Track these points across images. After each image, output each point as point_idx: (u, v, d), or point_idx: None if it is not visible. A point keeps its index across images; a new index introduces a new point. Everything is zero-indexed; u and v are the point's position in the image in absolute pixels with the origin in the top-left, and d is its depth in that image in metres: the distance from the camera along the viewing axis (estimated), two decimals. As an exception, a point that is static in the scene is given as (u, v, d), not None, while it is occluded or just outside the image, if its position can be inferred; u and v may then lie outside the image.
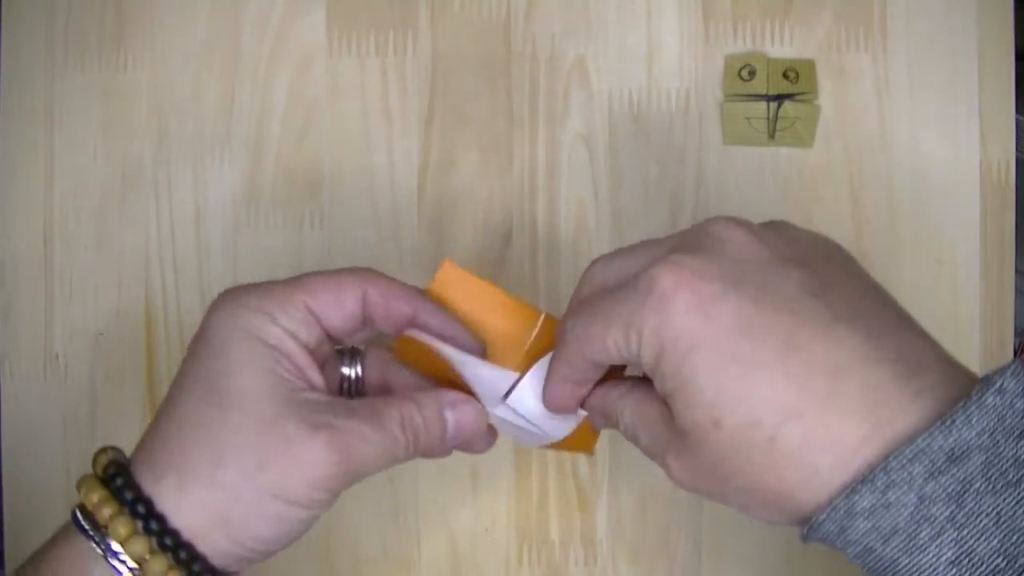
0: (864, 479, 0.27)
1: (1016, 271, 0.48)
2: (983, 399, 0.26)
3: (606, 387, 0.35)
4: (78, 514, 0.31)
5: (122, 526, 0.30)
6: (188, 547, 0.30)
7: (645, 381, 0.34)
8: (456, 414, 0.35)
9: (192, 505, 0.31)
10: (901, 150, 0.48)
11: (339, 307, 0.34)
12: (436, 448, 0.36)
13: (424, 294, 0.36)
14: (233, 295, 0.34)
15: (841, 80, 0.48)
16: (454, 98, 0.49)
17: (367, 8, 0.49)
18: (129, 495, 0.31)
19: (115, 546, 0.30)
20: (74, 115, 0.50)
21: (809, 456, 0.28)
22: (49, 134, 0.50)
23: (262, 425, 0.31)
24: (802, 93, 0.48)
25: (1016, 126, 0.48)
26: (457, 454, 0.49)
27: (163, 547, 0.30)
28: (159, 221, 0.50)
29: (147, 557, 0.30)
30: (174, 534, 0.30)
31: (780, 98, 0.48)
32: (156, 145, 0.50)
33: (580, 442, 0.39)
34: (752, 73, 0.48)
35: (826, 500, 0.28)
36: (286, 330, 0.33)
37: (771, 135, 0.48)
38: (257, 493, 0.31)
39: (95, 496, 0.31)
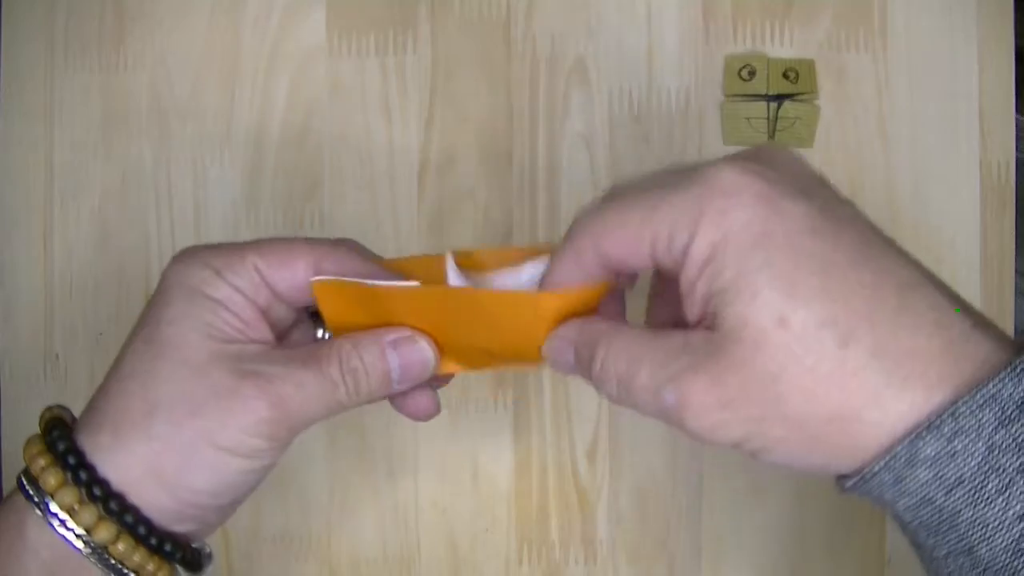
0: (930, 425, 0.25)
1: (1016, 271, 0.48)
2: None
3: (584, 320, 0.32)
4: (22, 474, 0.31)
5: (52, 477, 0.30)
6: (118, 497, 0.30)
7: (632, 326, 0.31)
8: (400, 354, 0.33)
9: (126, 456, 0.31)
10: (901, 150, 0.48)
11: (289, 273, 0.33)
12: (381, 391, 0.34)
13: (378, 268, 0.34)
14: (188, 252, 0.34)
15: (841, 80, 0.48)
16: (454, 98, 0.49)
17: (367, 8, 0.49)
18: (61, 446, 0.31)
19: (47, 499, 0.30)
20: (74, 115, 0.50)
21: (880, 369, 0.26)
22: (49, 134, 0.50)
23: (193, 373, 0.31)
24: (802, 93, 0.48)
25: (1016, 126, 0.48)
26: (457, 453, 0.49)
27: (92, 497, 0.30)
28: (159, 221, 0.50)
29: (76, 507, 0.30)
30: (103, 483, 0.30)
31: (780, 98, 0.48)
32: (156, 145, 0.50)
33: (527, 345, 0.34)
34: (752, 73, 0.48)
35: (886, 446, 0.26)
36: (231, 285, 0.33)
37: (771, 135, 0.48)
38: (189, 441, 0.31)
39: (33, 449, 0.31)
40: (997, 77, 0.48)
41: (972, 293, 0.48)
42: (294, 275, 0.33)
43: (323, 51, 0.50)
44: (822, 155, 0.48)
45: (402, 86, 0.49)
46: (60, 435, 0.31)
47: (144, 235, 0.50)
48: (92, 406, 0.32)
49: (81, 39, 0.50)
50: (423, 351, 0.34)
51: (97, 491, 0.30)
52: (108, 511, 0.30)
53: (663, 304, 0.34)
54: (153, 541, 0.31)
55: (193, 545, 0.33)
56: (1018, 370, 0.25)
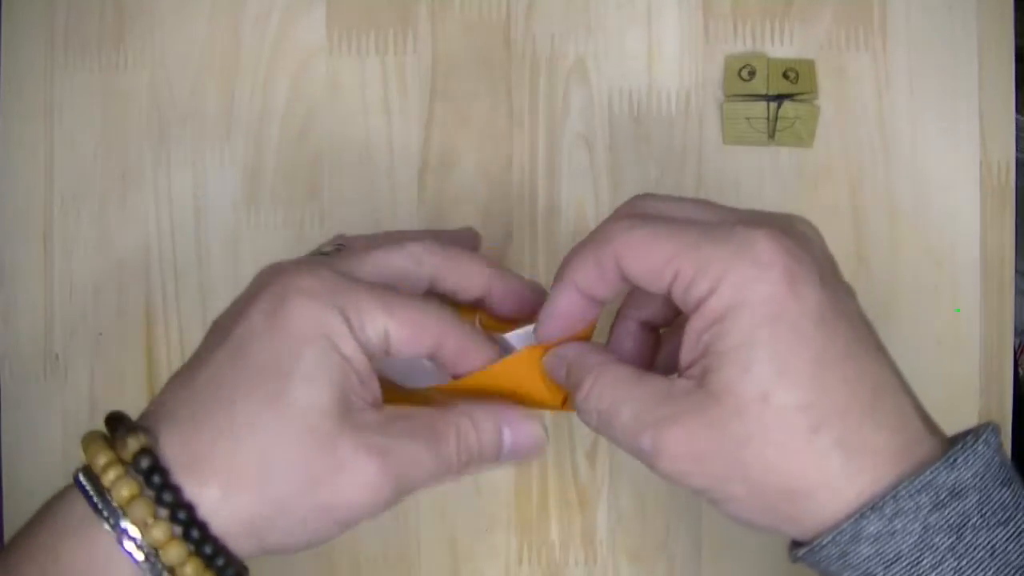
0: (873, 506, 0.28)
1: (1016, 271, 0.48)
2: (976, 446, 0.29)
3: (581, 347, 0.34)
4: (96, 500, 0.29)
5: (159, 531, 0.29)
6: (225, 552, 0.29)
7: (622, 363, 0.33)
8: (515, 433, 0.34)
9: (231, 515, 0.29)
10: (901, 150, 0.48)
11: (413, 345, 0.32)
12: (487, 463, 0.34)
13: (496, 348, 0.35)
14: (314, 280, 0.31)
15: (841, 80, 0.48)
16: (454, 98, 0.49)
17: (367, 8, 0.49)
18: (168, 497, 0.29)
19: (147, 548, 0.29)
20: (74, 115, 0.50)
21: (840, 457, 0.28)
22: (49, 134, 0.50)
23: (319, 445, 0.30)
24: (802, 93, 0.48)
25: (1016, 126, 0.48)
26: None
27: (201, 555, 0.29)
28: (159, 221, 0.50)
29: (183, 561, 0.29)
30: (214, 542, 0.29)
31: (780, 98, 0.48)
32: (156, 145, 0.50)
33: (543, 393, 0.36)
34: (752, 73, 0.48)
35: (831, 523, 0.29)
36: (359, 342, 0.31)
37: (771, 135, 0.48)
38: (303, 511, 0.30)
39: (126, 491, 0.29)
40: (997, 77, 0.48)
41: (972, 293, 0.48)
42: (416, 350, 0.33)
43: (323, 51, 0.49)
44: (822, 155, 0.48)
45: (402, 86, 0.49)
46: (163, 483, 0.29)
47: (144, 235, 0.50)
48: (188, 446, 0.30)
49: (81, 39, 0.50)
50: (536, 432, 0.34)
51: (208, 550, 0.29)
52: (210, 566, 0.29)
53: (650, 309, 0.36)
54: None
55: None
56: (951, 460, 0.28)
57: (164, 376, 0.49)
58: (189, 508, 0.29)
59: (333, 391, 0.30)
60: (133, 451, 0.30)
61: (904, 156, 0.48)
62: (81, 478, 0.30)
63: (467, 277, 0.36)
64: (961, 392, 0.48)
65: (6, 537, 0.50)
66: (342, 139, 0.49)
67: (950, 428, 0.47)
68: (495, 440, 0.33)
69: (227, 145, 0.50)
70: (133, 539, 0.29)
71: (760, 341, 0.29)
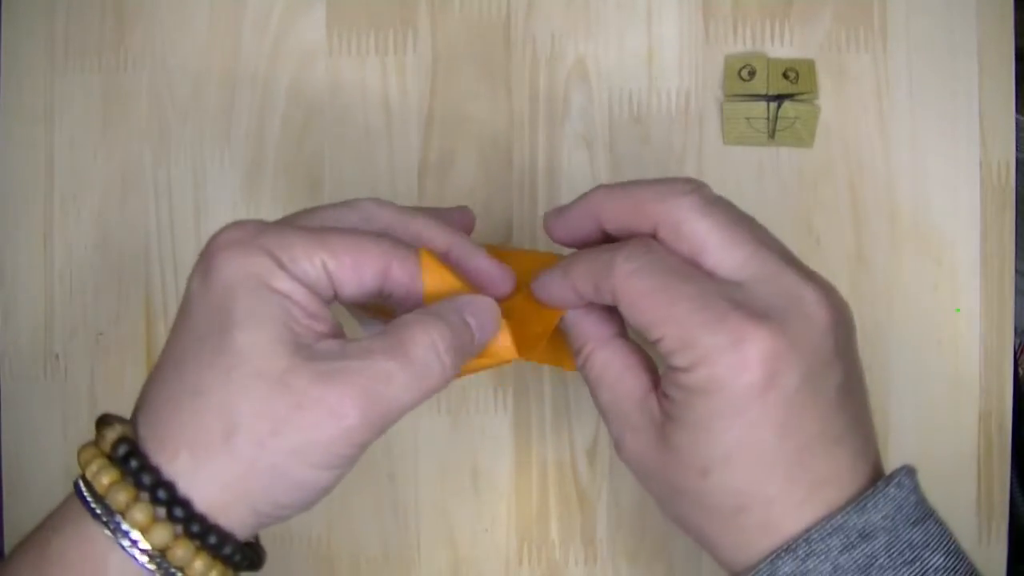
0: (788, 548, 0.30)
1: (1016, 271, 0.48)
2: (887, 490, 0.30)
3: (588, 315, 0.35)
4: (87, 495, 0.29)
5: (140, 513, 0.28)
6: (216, 530, 0.29)
7: (626, 339, 0.35)
8: (476, 317, 0.33)
9: (208, 482, 0.29)
10: (901, 150, 0.48)
11: (357, 277, 0.31)
12: (468, 357, 0.33)
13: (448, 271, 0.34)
14: (243, 232, 0.31)
15: (841, 80, 0.48)
16: (454, 98, 0.49)
17: (367, 8, 0.49)
18: (147, 479, 0.28)
19: (134, 534, 0.28)
20: (74, 115, 0.50)
21: (757, 533, 0.31)
22: (49, 134, 0.50)
23: (272, 387, 0.29)
24: (802, 93, 0.48)
25: (1016, 126, 0.48)
26: (457, 453, 0.49)
27: (189, 534, 0.28)
28: (159, 221, 0.50)
29: (170, 545, 0.28)
30: (201, 519, 0.29)
31: (780, 98, 0.48)
32: (156, 145, 0.50)
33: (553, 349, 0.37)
34: (752, 73, 0.48)
35: (750, 564, 0.31)
36: (297, 278, 0.30)
37: (771, 135, 0.48)
38: (276, 462, 0.29)
39: (106, 478, 0.29)
40: (997, 77, 0.48)
41: (972, 293, 0.48)
42: (361, 279, 0.31)
43: (323, 51, 0.49)
44: (822, 155, 0.48)
45: (402, 86, 0.49)
46: (141, 465, 0.29)
47: (144, 235, 0.50)
48: (155, 417, 0.30)
49: (81, 39, 0.50)
50: (493, 307, 0.34)
51: (196, 528, 0.28)
52: (205, 545, 0.29)
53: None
54: (244, 562, 0.30)
55: (253, 542, 0.32)
56: (861, 505, 0.30)
57: (164, 376, 0.49)
58: (169, 487, 0.28)
59: (273, 329, 0.29)
60: (111, 441, 0.30)
61: (904, 156, 0.48)
62: (80, 481, 0.30)
63: (419, 238, 0.34)
64: (961, 392, 0.48)
65: (6, 535, 0.50)
66: (342, 139, 0.49)
67: (951, 428, 0.48)
68: (463, 326, 0.32)
69: (227, 145, 0.50)
70: (118, 524, 0.28)
71: (714, 428, 0.30)
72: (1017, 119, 0.48)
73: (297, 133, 0.49)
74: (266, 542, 0.49)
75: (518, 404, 0.49)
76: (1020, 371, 0.51)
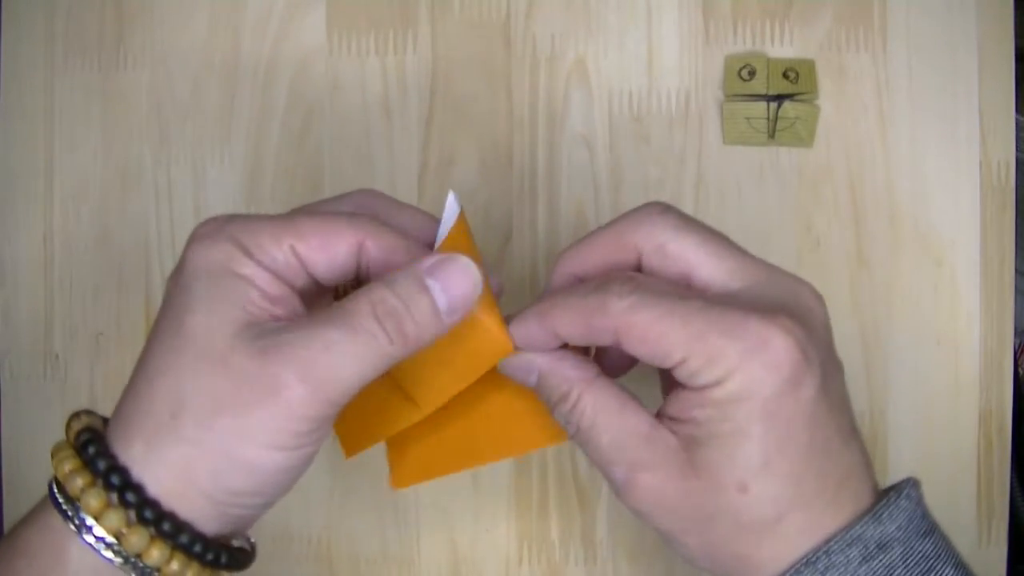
0: (807, 560, 0.30)
1: (1016, 271, 0.48)
2: (899, 501, 0.30)
3: (564, 359, 0.33)
4: (53, 487, 0.29)
5: (94, 499, 0.28)
6: (171, 517, 0.28)
7: (608, 378, 0.33)
8: (441, 280, 0.30)
9: (159, 467, 0.28)
10: (901, 150, 0.48)
11: (329, 256, 0.31)
12: (432, 329, 0.30)
13: (421, 247, 0.33)
14: (212, 224, 0.30)
15: (841, 80, 0.48)
16: (454, 98, 0.49)
17: (367, 8, 0.49)
18: (102, 464, 0.28)
19: (89, 520, 0.28)
20: (74, 115, 0.50)
21: (796, 540, 0.30)
22: (49, 134, 0.50)
23: (214, 365, 0.28)
24: (802, 93, 0.48)
25: (1016, 126, 0.48)
26: (457, 454, 0.49)
27: (142, 520, 0.28)
28: (159, 221, 0.50)
29: (124, 531, 0.28)
30: (154, 505, 0.28)
31: (780, 98, 0.48)
32: (156, 145, 0.50)
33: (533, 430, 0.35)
34: (752, 73, 0.48)
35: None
36: (262, 263, 0.30)
37: (771, 135, 0.48)
38: (220, 442, 0.28)
39: (67, 466, 0.29)
40: (997, 77, 0.48)
41: (972, 293, 0.48)
42: (333, 258, 0.31)
43: (323, 51, 0.49)
44: (822, 155, 0.48)
45: (402, 86, 0.49)
46: (97, 451, 0.29)
47: (144, 235, 0.50)
48: (121, 410, 0.30)
49: (81, 39, 0.50)
50: (466, 268, 0.30)
51: (149, 514, 0.28)
52: (161, 532, 0.28)
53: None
54: (210, 556, 0.29)
55: (235, 544, 0.31)
56: (877, 515, 0.30)
57: (164, 376, 0.49)
58: (123, 471, 0.28)
59: (225, 312, 0.28)
60: (75, 431, 0.30)
61: (904, 156, 0.48)
62: (51, 479, 0.30)
63: (411, 225, 0.34)
64: (961, 392, 0.48)
65: (6, 535, 0.50)
66: (342, 139, 0.49)
67: (951, 428, 0.48)
68: (419, 293, 0.29)
69: (227, 145, 0.50)
70: (76, 512, 0.28)
71: (753, 435, 0.29)
72: (1017, 119, 0.48)
73: (297, 133, 0.49)
74: (266, 542, 0.49)
75: (518, 404, 0.49)
76: (1020, 371, 0.51)
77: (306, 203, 0.35)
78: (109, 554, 0.28)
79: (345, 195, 0.35)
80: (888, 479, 0.47)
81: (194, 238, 0.30)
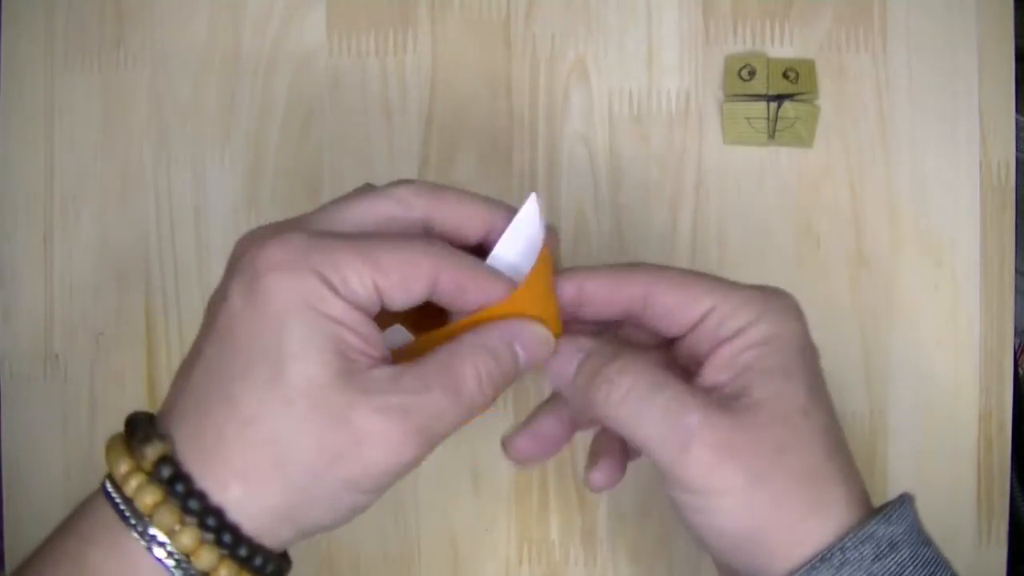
0: (823, 557, 0.30)
1: (1016, 271, 0.48)
2: (903, 507, 0.32)
3: (603, 338, 0.35)
4: (126, 512, 0.28)
5: (187, 537, 0.28)
6: (261, 551, 0.29)
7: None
8: (523, 346, 0.32)
9: (260, 510, 0.29)
10: (901, 150, 0.48)
11: (406, 291, 0.30)
12: (507, 387, 0.32)
13: (502, 281, 0.33)
14: (286, 250, 0.29)
15: (841, 80, 0.48)
16: (454, 98, 0.49)
17: (367, 8, 0.49)
18: (195, 505, 0.28)
19: (178, 555, 0.28)
20: (74, 115, 0.50)
21: (842, 487, 0.32)
22: (49, 134, 0.50)
23: (331, 420, 0.28)
24: (802, 93, 0.48)
25: (1016, 126, 0.48)
26: (457, 453, 0.49)
27: (235, 557, 0.28)
28: (159, 221, 0.50)
29: (217, 566, 0.28)
30: (248, 542, 0.29)
31: (780, 98, 0.48)
32: (156, 145, 0.50)
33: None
34: (752, 73, 0.48)
35: (791, 568, 0.31)
36: (348, 300, 0.29)
37: (771, 135, 0.48)
38: (328, 490, 0.29)
39: (149, 498, 0.28)
40: (997, 77, 0.48)
41: (972, 293, 0.48)
42: (411, 296, 0.31)
43: (323, 51, 0.49)
44: (822, 155, 0.48)
45: (402, 86, 0.49)
46: (188, 490, 0.28)
47: (144, 235, 0.50)
48: (204, 447, 0.29)
49: (81, 39, 0.50)
50: (542, 335, 0.33)
51: (243, 552, 0.29)
52: (250, 567, 0.29)
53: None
54: (272, 570, 0.30)
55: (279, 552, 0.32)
56: (887, 516, 0.31)
57: (164, 376, 0.49)
58: (218, 513, 0.28)
59: (330, 359, 0.29)
60: (152, 460, 0.29)
61: (904, 156, 0.48)
62: (108, 486, 0.29)
63: (464, 216, 0.34)
64: (961, 392, 0.48)
65: (7, 535, 0.50)
66: (342, 139, 0.49)
67: (951, 428, 0.48)
68: (512, 361, 0.32)
69: (227, 145, 0.50)
70: (162, 544, 0.28)
71: (799, 367, 0.32)
72: (1017, 119, 0.48)
73: (297, 133, 0.49)
74: (266, 542, 0.49)
75: (518, 404, 0.49)
76: (1020, 371, 0.51)
77: (308, 205, 0.34)
78: None
79: (384, 192, 0.34)
80: (888, 479, 0.47)
81: (271, 265, 0.29)
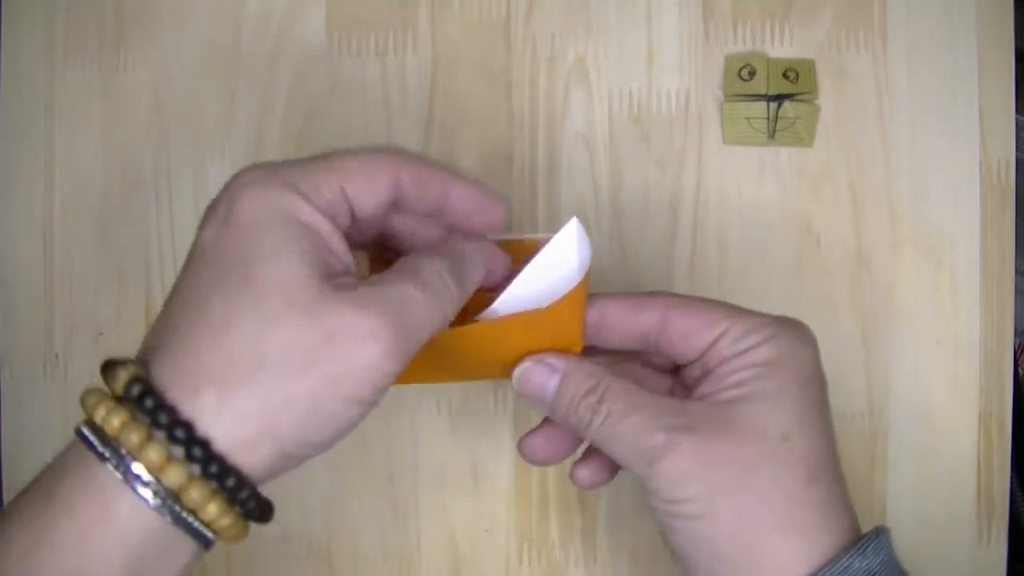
0: None
1: (1016, 271, 0.48)
2: (878, 539, 0.32)
3: (582, 362, 0.35)
4: (89, 435, 0.28)
5: (154, 452, 0.27)
6: (235, 472, 0.28)
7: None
8: (469, 250, 0.34)
9: (235, 418, 0.27)
10: (901, 150, 0.48)
11: (373, 192, 0.31)
12: (471, 288, 0.33)
13: (454, 171, 0.34)
14: (258, 171, 0.30)
15: (841, 80, 0.48)
16: (454, 98, 0.49)
17: (367, 8, 0.49)
18: (164, 418, 0.27)
19: (147, 476, 0.27)
20: (74, 115, 0.50)
21: (819, 516, 0.32)
22: (49, 134, 0.50)
23: (305, 314, 0.28)
24: (802, 93, 0.48)
25: (1016, 126, 0.48)
26: (457, 453, 0.49)
27: (207, 475, 0.27)
28: (159, 221, 0.50)
29: (185, 485, 0.27)
30: (220, 460, 0.27)
31: (780, 98, 0.48)
32: (156, 145, 0.50)
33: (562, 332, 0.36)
34: (752, 73, 0.48)
35: None
36: (320, 210, 0.30)
37: (771, 135, 0.48)
38: (307, 391, 0.28)
39: (116, 419, 0.28)
40: (997, 77, 0.48)
41: (972, 293, 0.48)
42: (378, 197, 0.31)
43: (323, 51, 0.50)
44: (822, 155, 0.48)
45: (402, 86, 0.49)
46: (157, 404, 0.27)
47: (144, 235, 0.50)
48: (176, 360, 0.28)
49: (81, 39, 0.50)
50: (477, 251, 0.34)
51: (214, 468, 0.27)
52: (223, 488, 0.28)
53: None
54: (255, 508, 0.29)
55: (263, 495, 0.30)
56: (863, 549, 0.32)
57: (164, 376, 0.49)
58: (187, 426, 0.27)
59: (304, 260, 0.29)
60: (123, 382, 0.28)
61: (904, 156, 0.48)
62: (81, 427, 0.29)
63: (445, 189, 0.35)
64: (961, 392, 0.48)
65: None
66: (342, 139, 0.49)
67: (951, 428, 0.48)
68: (462, 259, 0.33)
69: (227, 145, 0.50)
70: (129, 465, 0.27)
71: (792, 394, 0.33)
72: (1017, 119, 0.48)
73: (297, 133, 0.49)
74: (265, 542, 0.49)
75: (518, 404, 0.49)
76: (1020, 371, 0.51)
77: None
78: (162, 509, 0.27)
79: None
80: (888, 479, 0.47)
81: (243, 183, 0.30)
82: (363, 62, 0.49)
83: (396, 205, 0.33)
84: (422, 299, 0.30)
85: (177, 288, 0.30)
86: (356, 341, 0.28)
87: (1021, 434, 0.50)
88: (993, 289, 0.48)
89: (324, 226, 0.30)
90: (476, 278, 0.33)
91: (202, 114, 0.50)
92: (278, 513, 0.48)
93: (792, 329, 0.34)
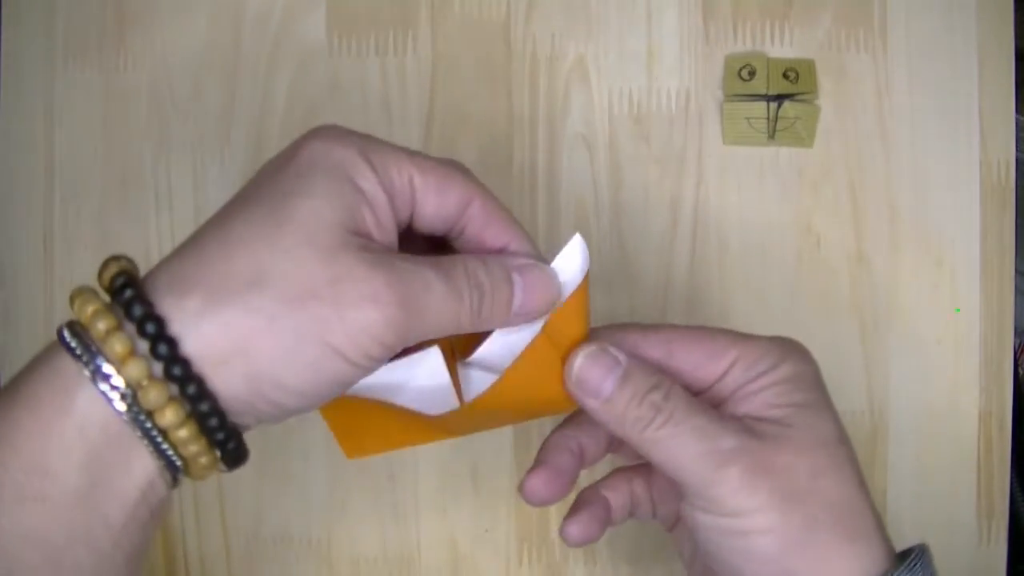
0: None
1: (1016, 271, 0.48)
2: (923, 557, 0.32)
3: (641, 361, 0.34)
4: (65, 330, 0.27)
5: (119, 344, 0.26)
6: (198, 381, 0.26)
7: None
8: (525, 279, 0.31)
9: (216, 328, 0.26)
10: (901, 150, 0.48)
11: (440, 199, 0.30)
12: (499, 316, 0.31)
13: (519, 226, 0.32)
14: (337, 130, 0.29)
15: (841, 80, 0.48)
16: (454, 98, 0.49)
17: (367, 8, 0.49)
18: (138, 310, 0.26)
19: (107, 368, 0.26)
20: (74, 115, 0.50)
21: (870, 523, 0.33)
22: (49, 134, 0.50)
23: (318, 254, 0.27)
24: (802, 93, 0.48)
25: (1016, 126, 0.48)
26: (457, 453, 0.49)
27: (169, 376, 0.26)
28: (159, 221, 0.50)
29: (144, 383, 0.26)
30: (185, 363, 0.26)
31: (780, 98, 0.48)
32: (156, 145, 0.50)
33: (547, 395, 0.34)
34: (752, 73, 0.48)
35: None
36: (381, 182, 0.29)
37: (771, 135, 0.48)
38: (296, 328, 0.26)
39: (90, 307, 0.26)
40: (997, 77, 0.48)
41: (972, 293, 0.48)
42: (443, 204, 0.30)
43: (323, 51, 0.50)
44: (822, 155, 0.48)
45: (402, 86, 0.49)
46: (134, 295, 0.26)
47: (144, 235, 0.50)
48: (175, 268, 0.27)
49: (81, 39, 0.50)
50: (550, 281, 0.32)
51: (177, 371, 0.26)
52: (184, 395, 0.26)
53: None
54: (220, 436, 0.27)
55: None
56: (912, 566, 0.31)
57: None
58: (159, 321, 0.26)
59: (339, 208, 0.27)
60: (110, 274, 0.27)
61: (904, 156, 0.48)
62: (63, 325, 0.27)
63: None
64: (961, 392, 0.48)
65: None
66: (342, 139, 0.49)
67: (951, 428, 0.48)
68: (505, 281, 0.30)
69: (227, 145, 0.50)
70: (99, 366, 0.26)
71: (824, 401, 0.34)
72: (1017, 119, 0.48)
73: (297, 134, 0.49)
74: (265, 542, 0.49)
75: (518, 404, 0.49)
76: (1020, 371, 0.51)
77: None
78: (121, 406, 0.26)
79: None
80: (888, 479, 0.47)
81: (315, 135, 0.29)
82: (363, 62, 0.49)
83: (452, 230, 0.32)
84: (440, 289, 0.29)
85: (215, 215, 0.29)
86: (358, 297, 0.27)
87: (1021, 434, 0.50)
88: (993, 289, 0.48)
89: (380, 198, 0.29)
90: (512, 313, 0.31)
91: (202, 114, 0.50)
92: (278, 513, 0.48)
93: (795, 348, 0.35)
